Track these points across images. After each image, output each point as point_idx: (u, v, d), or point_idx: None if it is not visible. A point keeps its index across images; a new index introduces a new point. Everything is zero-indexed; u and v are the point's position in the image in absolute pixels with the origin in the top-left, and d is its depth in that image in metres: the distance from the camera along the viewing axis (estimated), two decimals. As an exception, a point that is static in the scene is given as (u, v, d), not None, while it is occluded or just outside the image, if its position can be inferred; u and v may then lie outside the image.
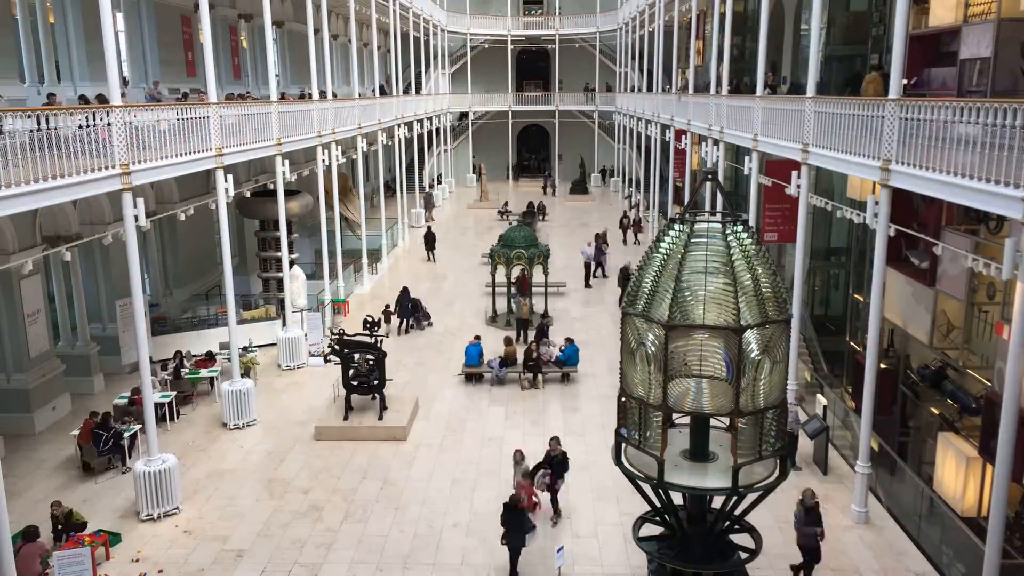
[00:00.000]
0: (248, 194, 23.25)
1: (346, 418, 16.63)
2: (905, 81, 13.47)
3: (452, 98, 52.69)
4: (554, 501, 13.33)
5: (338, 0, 32.23)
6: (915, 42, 15.39)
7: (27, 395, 16.54)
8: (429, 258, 32.90)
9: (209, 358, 19.20)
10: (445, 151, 52.24)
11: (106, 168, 12.29)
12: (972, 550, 11.11)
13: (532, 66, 57.27)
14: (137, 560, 12.12)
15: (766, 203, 19.07)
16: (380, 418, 16.63)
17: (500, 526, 11.86)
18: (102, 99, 13.93)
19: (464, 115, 54.86)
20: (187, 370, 18.49)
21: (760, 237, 17.04)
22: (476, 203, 46.61)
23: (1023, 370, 9.39)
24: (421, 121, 41.89)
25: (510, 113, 53.11)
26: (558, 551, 11.60)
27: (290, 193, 21.72)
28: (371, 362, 16.79)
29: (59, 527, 12.38)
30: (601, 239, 30.69)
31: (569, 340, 19.94)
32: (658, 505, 7.85)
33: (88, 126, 11.82)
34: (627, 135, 46.80)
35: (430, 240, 33.08)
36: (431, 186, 46.82)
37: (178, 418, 17.30)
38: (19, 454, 15.53)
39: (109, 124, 12.23)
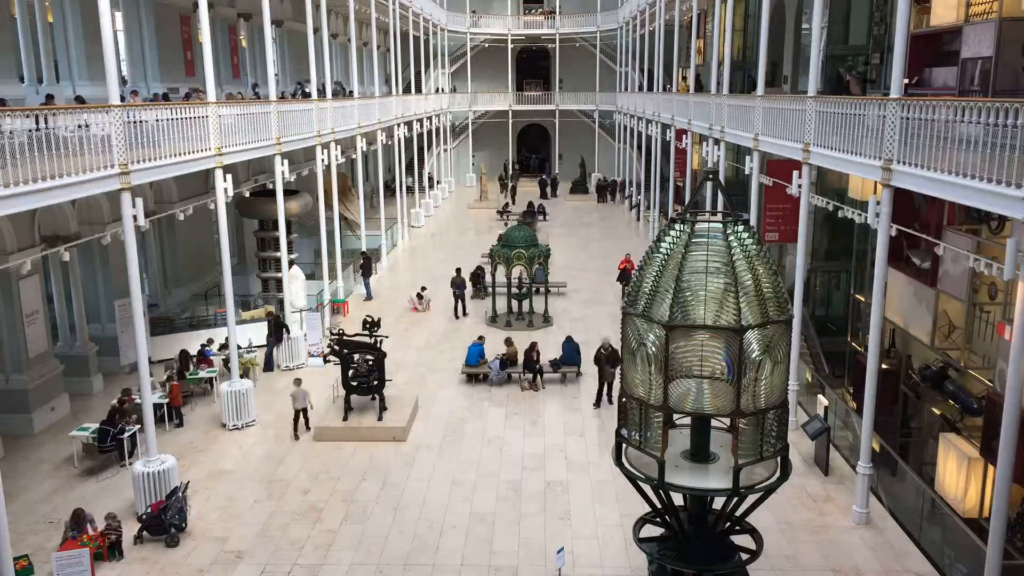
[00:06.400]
0: (247, 194, 23.22)
1: (345, 418, 16.59)
2: (906, 80, 13.45)
3: (452, 97, 52.65)
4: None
5: (338, -1, 32.22)
6: (916, 41, 15.37)
7: (26, 395, 16.50)
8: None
9: (202, 358, 19.10)
10: (445, 151, 52.19)
11: (105, 168, 12.26)
12: (974, 551, 11.07)
13: (532, 65, 57.24)
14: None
15: (767, 203, 19.04)
16: (380, 419, 16.60)
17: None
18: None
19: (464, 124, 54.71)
20: (190, 370, 18.50)
21: (761, 237, 17.01)
22: (476, 203, 46.57)
23: (1025, 370, 9.35)
24: (421, 121, 41.85)
25: (510, 113, 53.07)
26: (558, 552, 11.57)
27: (289, 193, 21.68)
28: (370, 362, 16.76)
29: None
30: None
31: (568, 338, 19.88)
32: (659, 506, 7.81)
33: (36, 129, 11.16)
34: (628, 135, 46.77)
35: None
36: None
37: (177, 418, 17.23)
38: (18, 455, 15.50)
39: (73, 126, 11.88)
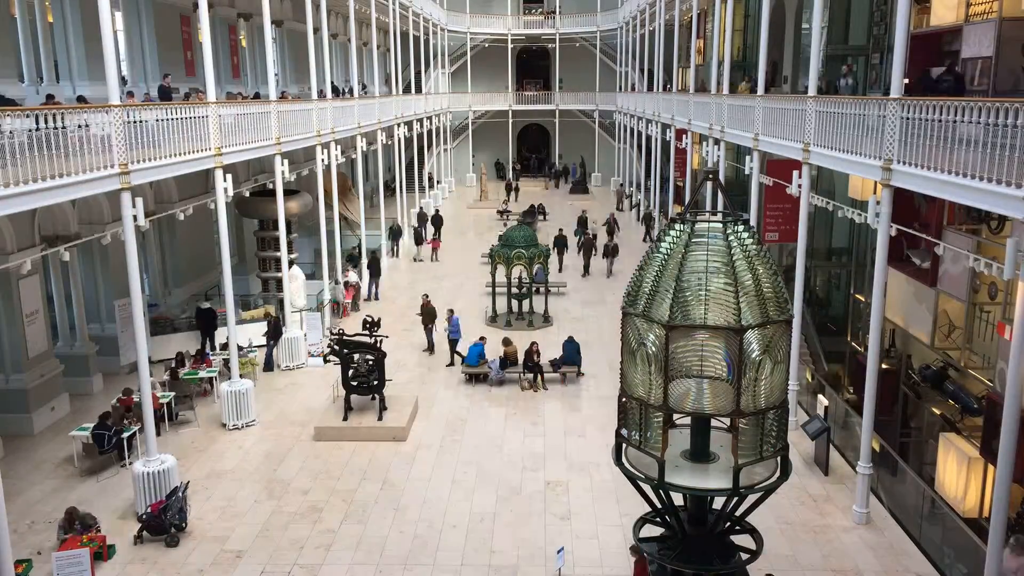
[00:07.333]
0: (247, 194, 23.21)
1: (346, 418, 16.59)
2: (906, 80, 13.44)
3: (452, 97, 52.63)
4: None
5: (338, -1, 32.20)
6: (916, 41, 15.36)
7: (25, 395, 16.49)
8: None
9: (201, 359, 19.10)
10: (445, 151, 52.17)
11: (105, 168, 12.25)
12: (973, 551, 11.07)
13: (532, 65, 57.23)
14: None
15: (767, 203, 19.04)
16: (380, 419, 16.60)
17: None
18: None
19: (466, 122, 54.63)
20: (185, 369, 18.49)
21: (761, 237, 17.02)
22: (476, 203, 46.54)
23: (1025, 370, 9.35)
24: (421, 120, 41.82)
25: (510, 112, 53.06)
26: (558, 552, 11.58)
27: (289, 193, 21.67)
28: (371, 362, 16.76)
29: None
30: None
31: (569, 338, 19.87)
32: (659, 506, 7.81)
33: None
34: (628, 135, 46.76)
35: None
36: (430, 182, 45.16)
37: (177, 419, 17.23)
38: (18, 455, 15.50)
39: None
